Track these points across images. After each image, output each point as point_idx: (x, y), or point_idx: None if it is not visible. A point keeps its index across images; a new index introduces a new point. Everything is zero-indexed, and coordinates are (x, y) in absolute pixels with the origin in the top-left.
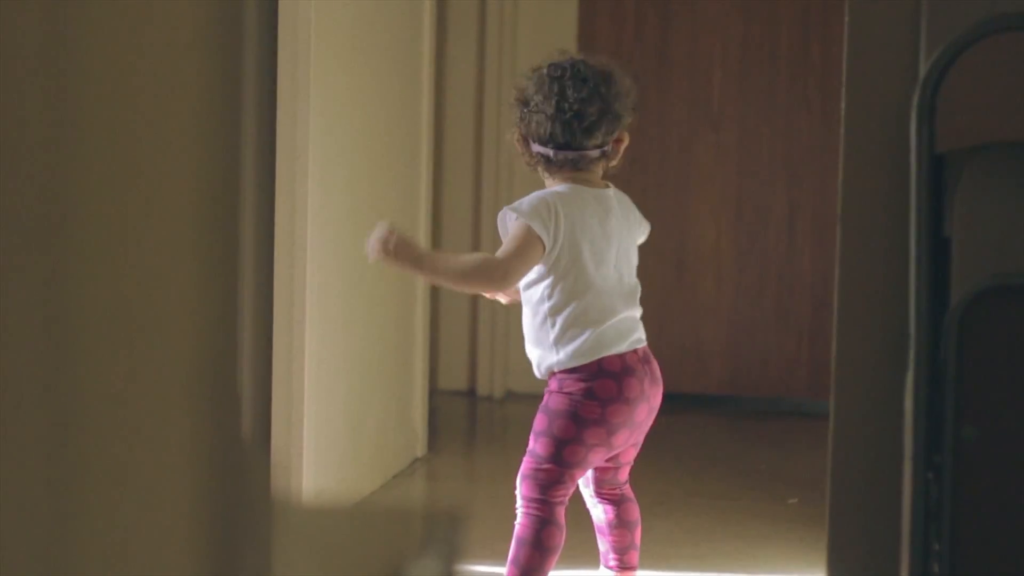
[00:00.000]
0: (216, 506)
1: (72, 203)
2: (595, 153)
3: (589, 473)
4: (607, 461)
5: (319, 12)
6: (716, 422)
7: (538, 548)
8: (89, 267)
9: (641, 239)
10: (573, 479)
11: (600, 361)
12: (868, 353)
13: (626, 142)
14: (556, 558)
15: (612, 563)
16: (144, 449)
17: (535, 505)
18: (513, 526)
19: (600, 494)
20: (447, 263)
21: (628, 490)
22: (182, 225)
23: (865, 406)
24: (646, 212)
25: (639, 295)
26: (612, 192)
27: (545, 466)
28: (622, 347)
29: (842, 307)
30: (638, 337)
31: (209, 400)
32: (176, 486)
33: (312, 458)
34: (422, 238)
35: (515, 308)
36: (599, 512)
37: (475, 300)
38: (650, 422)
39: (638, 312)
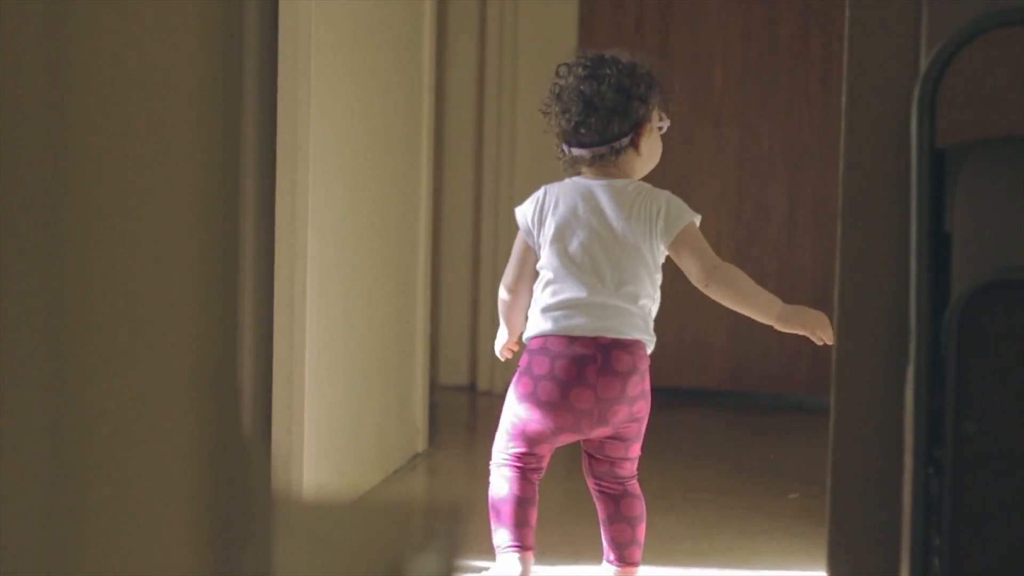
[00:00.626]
0: (217, 502)
1: (72, 203)
2: (602, 149)
3: (588, 465)
4: (598, 454)
5: (319, 11)
6: (717, 417)
7: (489, 508)
8: (90, 264)
9: (656, 236)
10: (517, 447)
11: (546, 339)
12: (869, 348)
13: (647, 135)
14: (511, 511)
15: (612, 558)
16: (145, 445)
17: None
18: None
19: (600, 487)
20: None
21: (632, 485)
22: (183, 222)
23: (866, 401)
24: None
25: (628, 286)
26: (615, 184)
27: (498, 434)
28: (574, 330)
29: (843, 302)
30: (603, 325)
31: (210, 396)
32: (177, 482)
33: (312, 453)
34: (422, 237)
35: None
36: (600, 506)
37: (475, 295)
38: (608, 415)
39: (616, 301)
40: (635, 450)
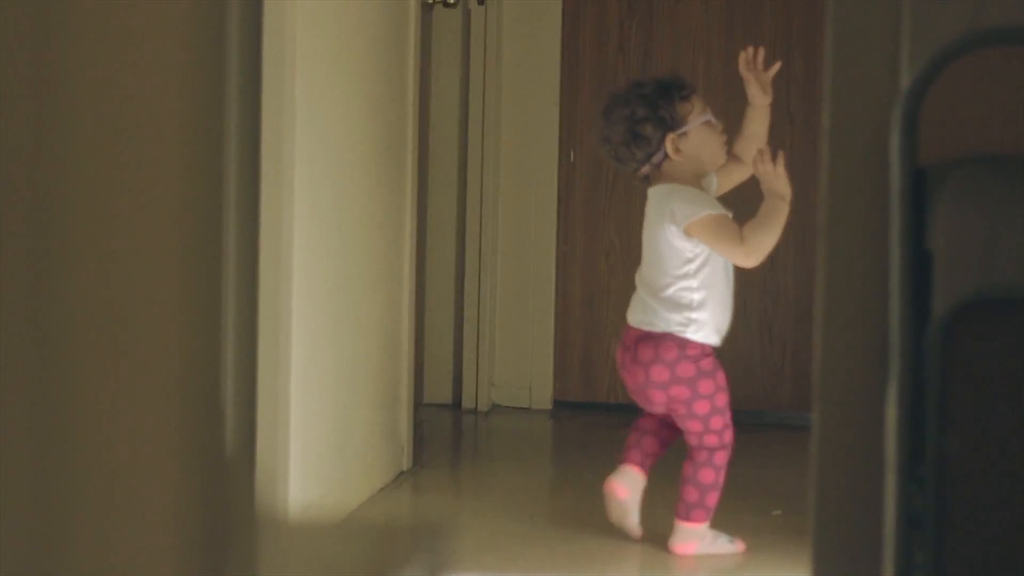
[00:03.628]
0: (202, 521)
1: (54, 216)
2: (645, 169)
3: None
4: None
5: (304, 23)
6: None
7: None
8: (71, 277)
9: (670, 231)
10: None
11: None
12: (851, 365)
13: (675, 142)
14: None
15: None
16: (128, 464)
17: None
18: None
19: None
20: None
21: (697, 453)
22: (166, 238)
23: (848, 418)
24: (630, 224)
25: (655, 280)
26: (654, 191)
27: None
28: (630, 321)
29: (824, 320)
30: (638, 318)
31: (194, 415)
32: (161, 501)
33: (298, 472)
34: (407, 255)
35: (499, 320)
36: None
37: (460, 314)
38: (652, 396)
39: (645, 296)
40: (692, 425)
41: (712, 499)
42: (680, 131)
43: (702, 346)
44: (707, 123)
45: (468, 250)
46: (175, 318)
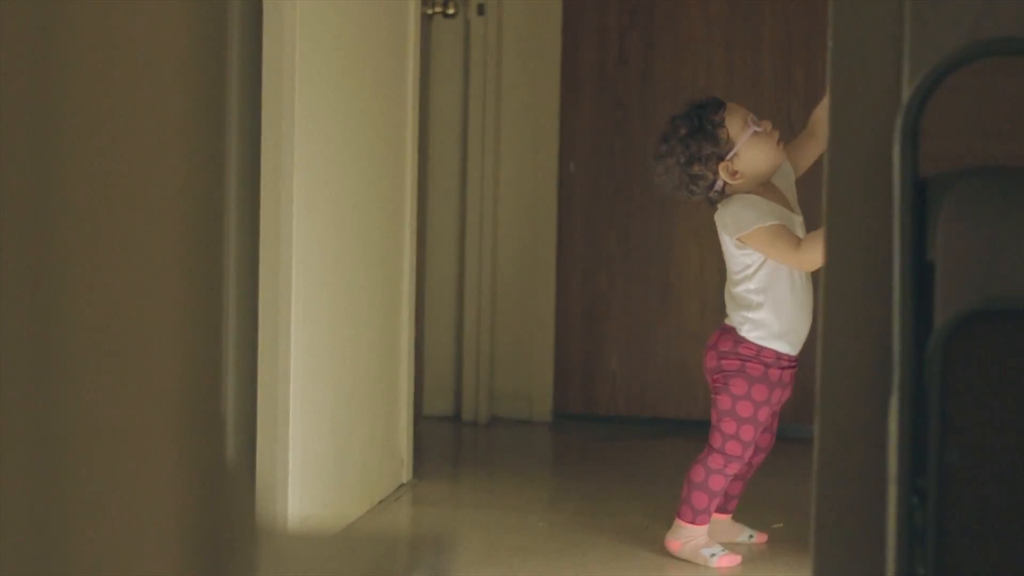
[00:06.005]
0: (201, 533)
1: (54, 221)
2: (712, 195)
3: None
4: None
5: (303, 26)
6: (701, 447)
7: None
8: (70, 288)
9: (726, 239)
10: None
11: None
12: (853, 377)
13: (728, 166)
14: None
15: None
16: (128, 476)
17: None
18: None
19: None
20: None
21: (704, 453)
22: (166, 248)
23: (850, 430)
24: (631, 235)
25: (729, 279)
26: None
27: None
28: None
29: (826, 332)
30: (726, 313)
31: (194, 427)
32: (161, 513)
33: (297, 484)
34: (407, 266)
35: (498, 332)
36: None
37: (460, 325)
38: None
39: (726, 291)
40: (712, 415)
41: (699, 500)
42: (729, 156)
43: (759, 348)
44: (753, 135)
45: (468, 261)
46: (175, 331)
